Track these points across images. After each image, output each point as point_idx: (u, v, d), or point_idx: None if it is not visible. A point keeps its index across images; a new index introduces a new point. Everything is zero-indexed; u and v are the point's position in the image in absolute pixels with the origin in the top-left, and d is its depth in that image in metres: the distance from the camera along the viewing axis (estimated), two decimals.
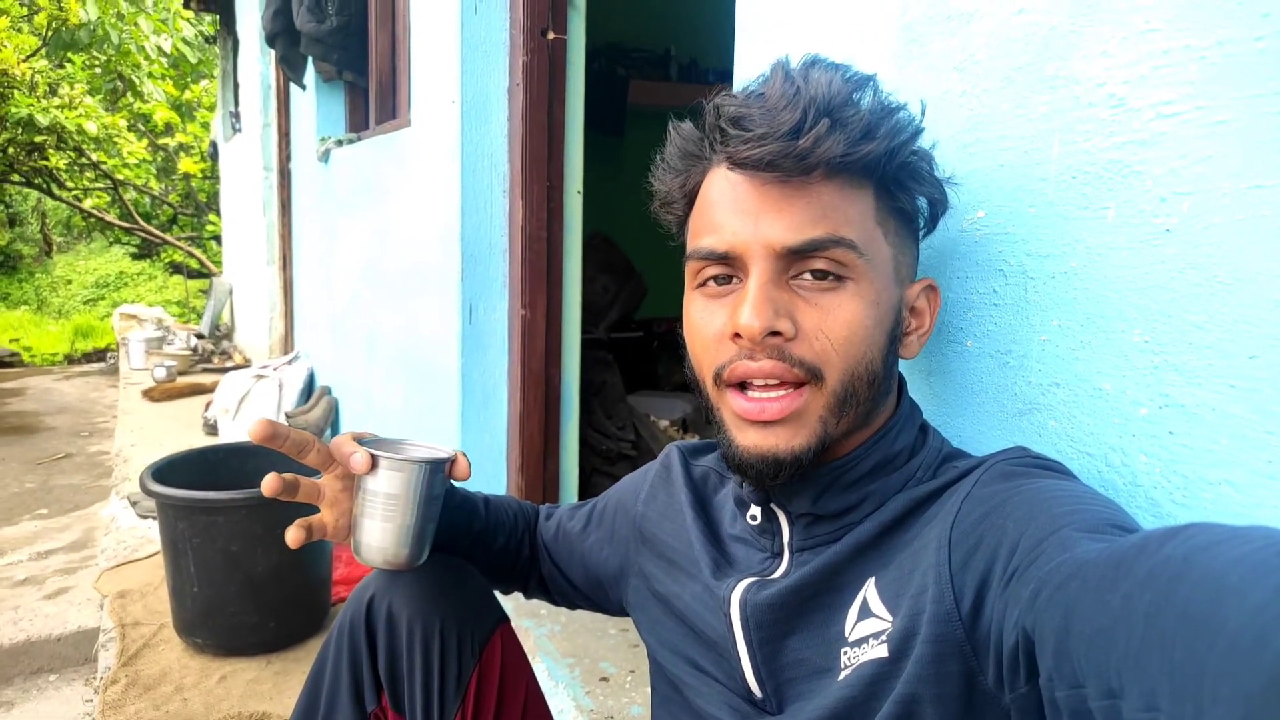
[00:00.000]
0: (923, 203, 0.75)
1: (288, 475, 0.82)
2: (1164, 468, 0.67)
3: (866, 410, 0.70)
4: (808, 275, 0.67)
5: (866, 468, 0.72)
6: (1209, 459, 0.64)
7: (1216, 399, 0.63)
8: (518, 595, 1.08)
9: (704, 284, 0.72)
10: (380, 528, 0.82)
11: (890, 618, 0.66)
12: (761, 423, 0.68)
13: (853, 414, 0.69)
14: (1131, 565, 0.42)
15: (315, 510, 0.86)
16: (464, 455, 0.86)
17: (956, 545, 0.62)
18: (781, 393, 0.67)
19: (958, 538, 0.62)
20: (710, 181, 0.71)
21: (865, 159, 0.66)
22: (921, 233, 0.78)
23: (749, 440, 0.69)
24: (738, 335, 0.67)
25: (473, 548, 0.98)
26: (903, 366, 0.87)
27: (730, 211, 0.68)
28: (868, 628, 0.68)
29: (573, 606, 1.06)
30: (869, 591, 0.69)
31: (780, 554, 0.76)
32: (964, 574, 0.60)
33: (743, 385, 0.69)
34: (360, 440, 0.84)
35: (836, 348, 0.67)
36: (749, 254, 0.67)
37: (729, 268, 0.69)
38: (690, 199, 0.75)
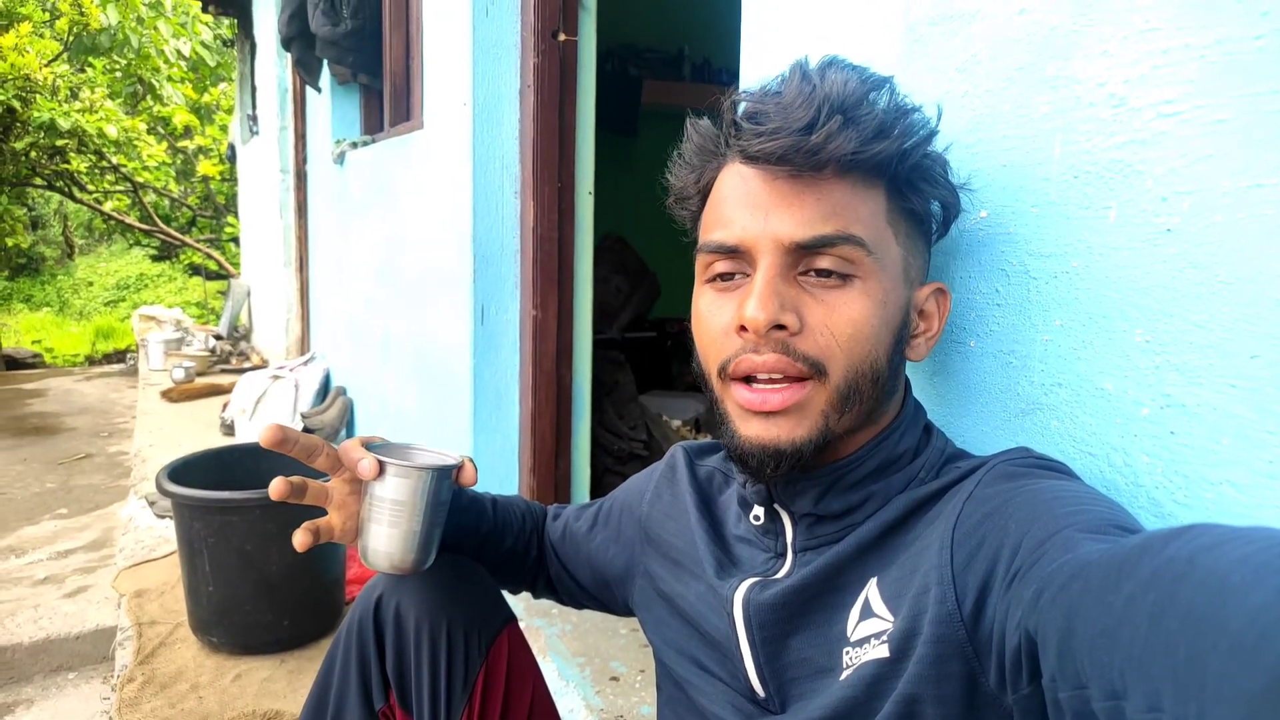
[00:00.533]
0: (935, 206, 0.75)
1: (295, 479, 0.82)
2: (1166, 467, 0.66)
3: (870, 409, 0.70)
4: (816, 272, 0.67)
5: (870, 468, 0.72)
6: (1211, 459, 0.63)
7: (1218, 398, 0.63)
8: (528, 595, 1.08)
9: (713, 278, 0.72)
10: (386, 533, 0.82)
11: (891, 618, 0.66)
12: (764, 413, 0.68)
13: (856, 411, 0.69)
14: (1134, 566, 0.42)
15: (325, 513, 0.87)
16: (471, 461, 0.87)
17: (959, 546, 0.62)
18: (784, 385, 0.68)
19: (960, 538, 0.62)
20: (724, 177, 0.72)
21: (877, 157, 0.66)
22: (934, 236, 0.78)
23: (752, 431, 0.69)
24: (744, 328, 0.67)
25: (481, 548, 0.99)
26: (907, 367, 0.87)
27: (741, 206, 0.69)
28: (869, 628, 0.68)
29: (580, 606, 1.07)
30: (871, 591, 0.69)
31: (783, 554, 0.76)
32: (966, 575, 0.60)
33: (748, 379, 0.69)
34: (369, 445, 0.84)
35: (841, 344, 0.67)
36: (758, 248, 0.68)
37: (738, 262, 0.70)
38: (704, 195, 0.75)
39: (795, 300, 0.67)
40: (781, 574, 0.76)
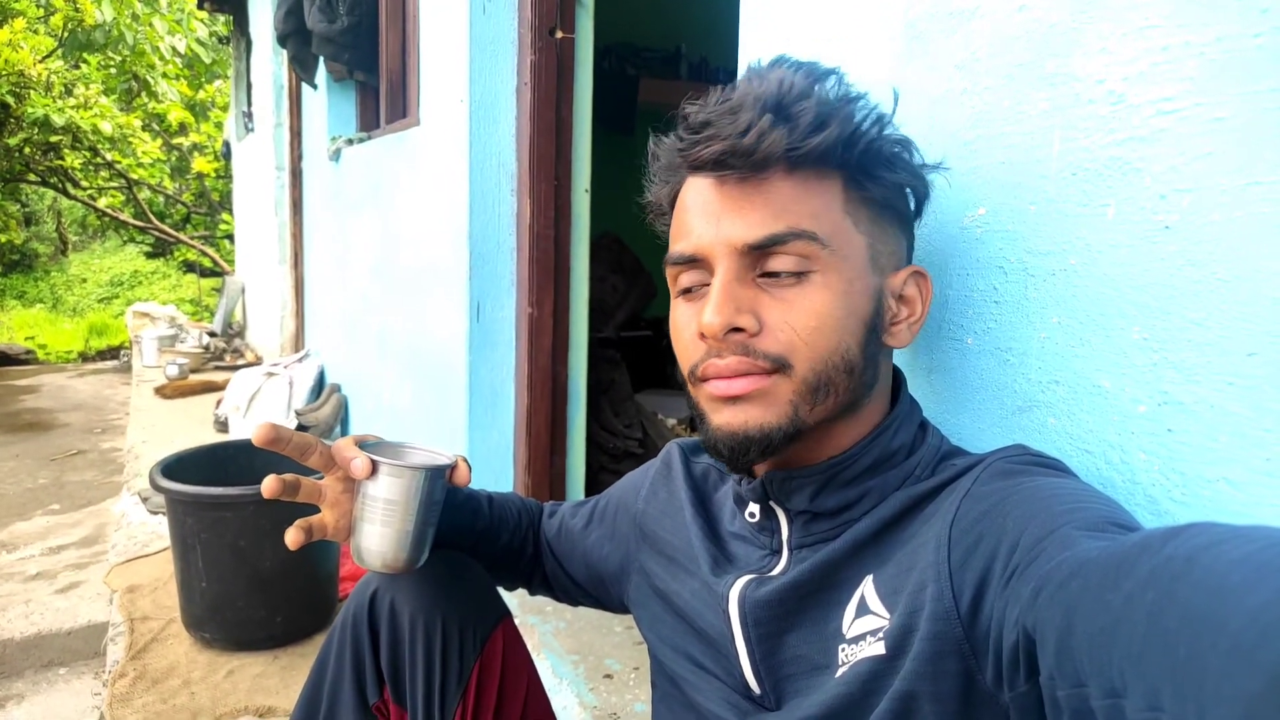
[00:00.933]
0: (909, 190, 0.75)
1: (288, 476, 0.82)
2: (1162, 465, 0.66)
3: (848, 400, 0.70)
4: (773, 271, 0.68)
5: (865, 464, 0.72)
6: (1207, 456, 0.63)
7: (1215, 396, 0.63)
8: (522, 591, 1.08)
9: (682, 290, 0.73)
10: (379, 532, 0.82)
11: (887, 615, 0.66)
12: (731, 399, 0.69)
13: (831, 402, 0.69)
14: (1134, 564, 0.42)
15: (318, 510, 0.87)
16: (465, 461, 0.87)
17: (956, 543, 0.62)
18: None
19: (957, 536, 0.62)
20: (685, 189, 0.73)
21: (817, 150, 0.66)
22: (915, 221, 0.78)
23: (722, 419, 0.70)
24: (704, 335, 0.68)
25: (476, 545, 0.99)
26: (903, 363, 0.87)
27: (698, 215, 0.70)
28: (865, 625, 0.68)
29: (576, 603, 1.07)
30: (867, 589, 0.69)
31: (779, 551, 0.76)
32: (963, 572, 0.60)
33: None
34: (362, 444, 0.84)
35: (804, 338, 0.67)
36: (713, 254, 0.69)
37: (700, 272, 0.71)
38: (673, 209, 0.76)
39: (753, 302, 0.68)
40: (777, 571, 0.75)
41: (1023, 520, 0.57)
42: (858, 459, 0.72)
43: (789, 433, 0.68)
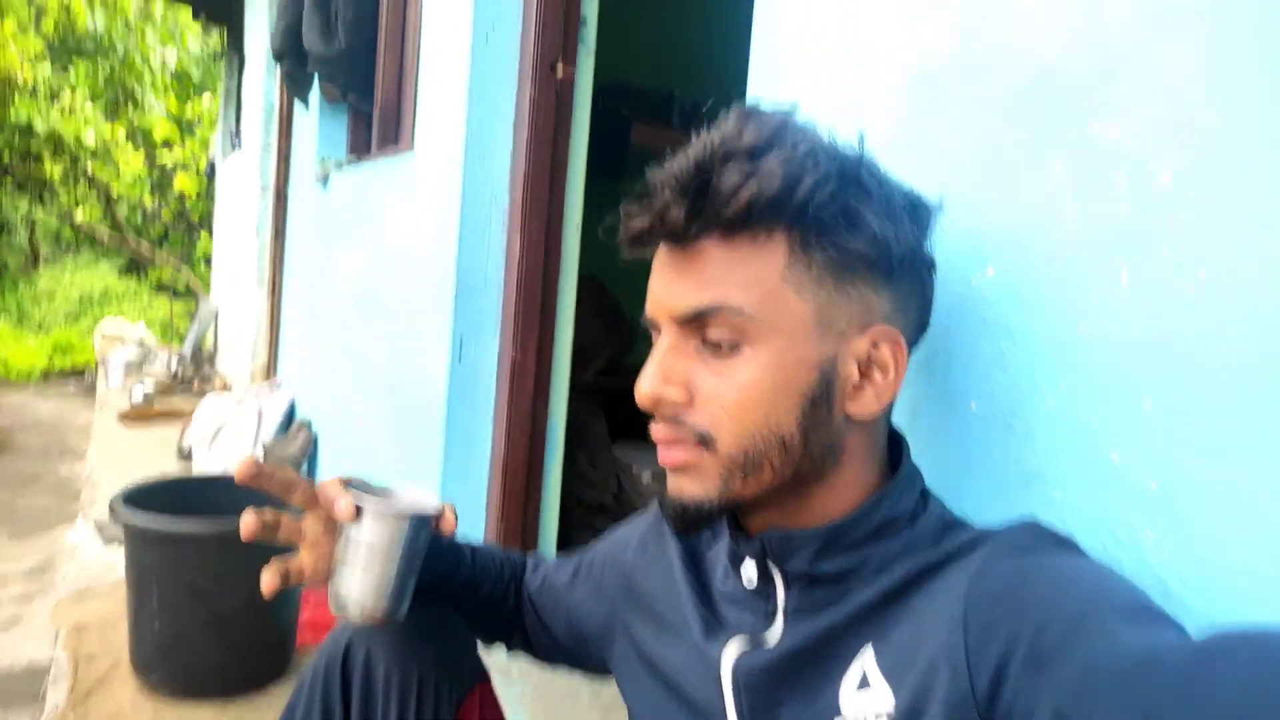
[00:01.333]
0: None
1: (267, 513, 0.79)
2: (1173, 546, 0.64)
3: (789, 473, 0.67)
4: (708, 341, 0.67)
5: (867, 530, 0.69)
6: (1220, 539, 0.61)
7: (1230, 476, 0.60)
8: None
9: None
10: (360, 579, 0.79)
11: (893, 694, 0.62)
12: (671, 469, 0.69)
13: (768, 476, 0.67)
14: (1217, 667, 0.43)
15: (290, 550, 0.83)
16: (451, 509, 0.84)
17: (972, 623, 0.58)
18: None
19: (973, 615, 0.58)
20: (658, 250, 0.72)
21: (735, 217, 0.63)
22: (894, 272, 0.68)
23: (669, 485, 0.70)
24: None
25: (456, 596, 0.95)
26: (904, 429, 0.84)
27: (654, 279, 0.70)
28: (866, 701, 0.64)
29: (554, 663, 1.03)
30: (867, 661, 0.66)
31: (773, 616, 0.73)
32: (981, 654, 0.56)
33: None
34: (347, 484, 0.82)
35: (729, 412, 0.66)
36: (659, 321, 0.69)
37: (658, 336, 0.71)
38: None
39: (689, 372, 0.67)
40: (772, 638, 0.72)
41: (1047, 603, 0.54)
42: (859, 524, 0.69)
43: (722, 505, 0.68)
